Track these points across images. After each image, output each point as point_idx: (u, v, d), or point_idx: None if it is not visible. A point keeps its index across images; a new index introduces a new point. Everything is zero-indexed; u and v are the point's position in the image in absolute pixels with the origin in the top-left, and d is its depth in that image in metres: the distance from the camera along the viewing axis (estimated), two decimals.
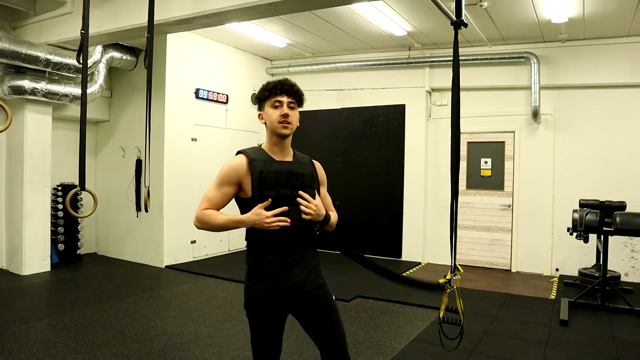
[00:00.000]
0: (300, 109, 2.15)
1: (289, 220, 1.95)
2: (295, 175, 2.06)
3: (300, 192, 2.02)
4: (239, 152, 2.09)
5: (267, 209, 1.96)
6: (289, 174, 2.04)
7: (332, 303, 2.13)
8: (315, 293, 2.08)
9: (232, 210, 2.05)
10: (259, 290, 2.04)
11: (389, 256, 7.43)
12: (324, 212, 2.08)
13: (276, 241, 2.00)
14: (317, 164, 2.24)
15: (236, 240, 7.87)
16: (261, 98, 2.11)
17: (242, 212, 2.06)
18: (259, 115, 2.15)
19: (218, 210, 2.04)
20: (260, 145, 2.14)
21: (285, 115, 2.03)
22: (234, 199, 2.09)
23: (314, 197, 2.07)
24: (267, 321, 2.04)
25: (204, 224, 2.03)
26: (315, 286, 2.09)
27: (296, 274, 2.03)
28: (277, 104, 2.05)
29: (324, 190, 2.25)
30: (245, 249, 2.11)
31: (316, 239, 2.13)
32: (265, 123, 2.11)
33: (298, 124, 2.13)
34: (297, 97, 2.09)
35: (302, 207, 2.00)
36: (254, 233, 2.03)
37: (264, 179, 1.99)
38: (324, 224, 2.11)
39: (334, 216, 2.22)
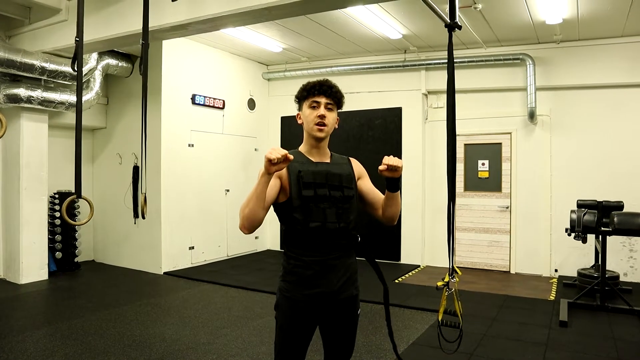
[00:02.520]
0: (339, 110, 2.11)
1: (288, 155, 1.75)
2: (333, 175, 2.01)
3: (386, 157, 1.87)
4: None
5: (304, 210, 1.93)
6: (327, 174, 2.00)
7: (356, 318, 2.12)
8: (346, 303, 2.05)
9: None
10: (290, 293, 1.99)
11: (387, 259, 7.42)
12: (401, 169, 1.92)
13: (313, 243, 1.96)
14: (354, 161, 2.18)
15: (235, 246, 7.86)
16: (300, 98, 2.09)
17: (279, 216, 2.02)
18: (297, 115, 2.12)
19: (267, 204, 1.87)
20: (297, 148, 2.10)
21: (322, 117, 2.00)
22: (272, 207, 1.97)
23: (352, 199, 2.03)
24: (294, 325, 1.99)
25: (245, 206, 1.81)
26: (348, 296, 2.05)
27: (331, 280, 1.98)
28: (315, 104, 2.02)
29: (368, 183, 2.16)
30: (282, 250, 2.07)
31: (355, 245, 2.08)
32: (302, 123, 2.07)
33: (336, 126, 2.10)
34: (335, 98, 2.05)
35: (387, 160, 1.87)
36: (291, 234, 1.99)
37: (301, 179, 1.94)
38: (396, 187, 1.98)
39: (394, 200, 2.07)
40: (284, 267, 2.05)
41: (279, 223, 2.08)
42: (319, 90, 2.03)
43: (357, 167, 2.18)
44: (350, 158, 2.19)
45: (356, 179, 2.13)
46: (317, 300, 1.98)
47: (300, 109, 2.10)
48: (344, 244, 2.03)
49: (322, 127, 2.01)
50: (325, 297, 1.98)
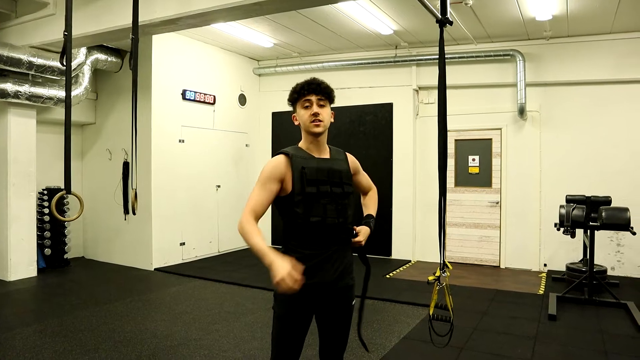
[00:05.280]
0: (332, 105, 2.18)
1: (295, 288, 1.77)
2: (334, 172, 2.09)
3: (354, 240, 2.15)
4: (278, 153, 2.09)
5: (305, 205, 1.99)
6: (329, 171, 2.07)
7: (351, 308, 2.19)
8: (341, 293, 2.12)
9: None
10: None
11: (379, 254, 7.44)
12: (367, 233, 2.22)
13: (312, 237, 2.03)
14: (350, 157, 2.27)
15: (226, 242, 7.83)
16: (292, 100, 2.13)
17: (279, 209, 2.08)
18: (293, 117, 2.16)
19: (264, 207, 1.99)
20: (297, 144, 2.14)
21: (316, 114, 2.05)
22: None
23: (351, 195, 2.14)
24: (292, 315, 2.05)
25: (243, 235, 1.92)
26: (344, 286, 2.12)
27: (327, 271, 2.05)
28: (307, 103, 2.07)
29: (361, 177, 2.34)
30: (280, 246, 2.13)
31: (352, 237, 2.16)
32: (299, 124, 2.12)
33: (332, 120, 2.15)
34: (325, 94, 2.10)
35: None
36: (291, 228, 2.06)
37: (305, 175, 2.00)
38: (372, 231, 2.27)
39: (374, 201, 2.40)
40: None
41: (270, 220, 2.12)
42: (308, 89, 2.08)
43: (353, 163, 2.27)
44: (347, 153, 2.26)
45: (352, 174, 2.23)
46: (314, 290, 2.03)
47: (294, 110, 2.15)
48: (341, 238, 2.10)
49: (319, 123, 2.06)
50: (322, 287, 2.05)
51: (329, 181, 2.06)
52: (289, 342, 2.06)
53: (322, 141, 2.12)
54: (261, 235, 1.89)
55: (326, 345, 2.18)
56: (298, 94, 2.09)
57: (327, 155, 2.14)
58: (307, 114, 2.06)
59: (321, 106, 2.07)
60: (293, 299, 2.02)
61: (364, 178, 2.37)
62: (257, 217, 1.97)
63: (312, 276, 2.02)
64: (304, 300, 2.03)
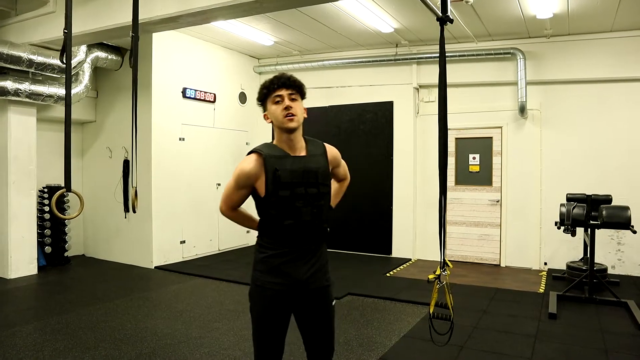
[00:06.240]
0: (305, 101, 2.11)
1: None
2: (309, 172, 2.00)
3: None
4: (251, 152, 2.01)
5: (279, 208, 1.96)
6: (304, 172, 1.99)
7: (331, 309, 2.12)
8: (317, 294, 2.06)
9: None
10: (261, 281, 2.02)
11: (379, 253, 7.44)
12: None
13: (286, 235, 1.98)
14: (329, 149, 2.17)
15: (226, 240, 7.84)
16: (262, 98, 2.07)
17: (257, 206, 2.05)
18: (264, 115, 2.09)
19: (239, 204, 2.11)
20: (273, 142, 2.08)
21: (288, 108, 1.98)
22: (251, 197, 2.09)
23: (326, 195, 2.08)
24: (266, 314, 2.02)
25: (233, 220, 2.18)
26: (319, 286, 2.06)
27: (300, 270, 2.00)
28: (278, 98, 2.00)
29: (339, 168, 2.28)
30: (256, 242, 2.12)
31: (326, 236, 2.11)
32: (272, 122, 2.05)
33: (305, 116, 2.08)
34: (296, 87, 2.03)
35: None
36: (265, 227, 2.03)
37: (278, 178, 1.93)
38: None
39: (341, 191, 2.37)
40: (256, 257, 2.07)
41: None
42: (278, 84, 2.01)
43: (332, 157, 2.18)
44: (325, 145, 2.17)
45: (330, 169, 2.15)
46: (286, 289, 2.00)
47: (265, 109, 2.08)
48: (315, 238, 2.06)
49: (292, 117, 1.99)
50: (294, 286, 2.00)
51: (303, 182, 1.98)
52: (267, 341, 2.03)
53: (296, 138, 2.03)
54: (250, 217, 2.17)
55: (311, 350, 2.12)
56: (268, 89, 2.02)
57: (303, 152, 2.06)
58: (279, 109, 1.98)
59: (293, 100, 2.01)
60: (267, 297, 2.00)
61: (342, 169, 2.30)
62: (235, 209, 2.13)
63: (285, 274, 1.99)
64: (276, 298, 2.00)
